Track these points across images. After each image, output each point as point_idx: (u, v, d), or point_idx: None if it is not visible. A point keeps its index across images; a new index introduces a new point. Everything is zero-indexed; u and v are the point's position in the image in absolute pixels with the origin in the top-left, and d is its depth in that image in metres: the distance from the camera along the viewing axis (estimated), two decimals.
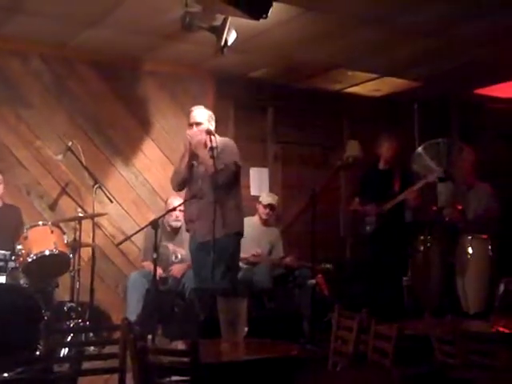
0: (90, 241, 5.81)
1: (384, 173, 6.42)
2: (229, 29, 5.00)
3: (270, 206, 6.71)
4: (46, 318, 4.80)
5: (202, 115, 5.29)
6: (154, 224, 4.84)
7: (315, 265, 6.06)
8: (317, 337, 5.58)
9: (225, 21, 4.98)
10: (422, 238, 6.34)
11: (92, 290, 5.62)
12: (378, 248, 6.21)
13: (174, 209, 5.65)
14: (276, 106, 7.64)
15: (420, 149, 6.61)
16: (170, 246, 6.11)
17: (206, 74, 7.12)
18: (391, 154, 6.41)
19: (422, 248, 6.34)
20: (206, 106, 5.59)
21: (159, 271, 5.68)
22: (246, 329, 4.74)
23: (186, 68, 6.99)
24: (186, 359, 2.92)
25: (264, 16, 4.56)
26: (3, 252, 5.05)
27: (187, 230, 5.40)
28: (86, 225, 5.80)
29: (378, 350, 3.57)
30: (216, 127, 5.38)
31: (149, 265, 5.87)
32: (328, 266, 6.58)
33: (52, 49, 6.41)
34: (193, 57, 6.66)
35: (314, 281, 5.97)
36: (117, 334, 4.37)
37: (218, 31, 5.03)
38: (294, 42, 6.21)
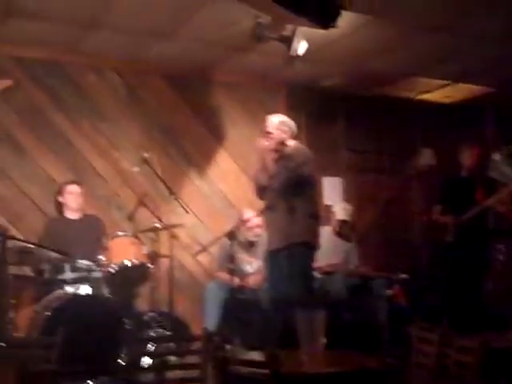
0: (167, 251, 5.89)
1: (465, 181, 6.27)
2: (299, 38, 5.02)
3: (343, 222, 6.68)
4: (127, 327, 4.89)
5: (272, 124, 5.25)
6: (231, 235, 4.89)
7: (391, 275, 5.99)
8: (395, 349, 5.51)
9: (294, 31, 5.00)
10: (502, 246, 6.19)
11: (171, 300, 5.70)
12: (457, 257, 6.08)
13: (245, 221, 5.68)
14: (347, 114, 7.62)
15: (497, 155, 6.46)
16: (246, 257, 6.15)
17: (276, 84, 7.17)
18: (473, 161, 6.27)
19: (502, 257, 6.19)
20: None
21: (235, 281, 5.73)
22: (324, 340, 4.74)
23: (257, 78, 7.05)
24: (266, 370, 2.94)
25: (332, 25, 4.53)
26: (86, 262, 5.17)
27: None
28: (163, 235, 5.90)
29: (461, 364, 3.50)
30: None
31: (223, 275, 5.93)
32: (404, 275, 6.48)
33: (126, 63, 6.59)
34: (263, 67, 6.72)
35: (390, 291, 5.90)
36: (196, 344, 4.44)
37: (288, 41, 5.06)
38: (364, 50, 6.20)
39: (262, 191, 5.21)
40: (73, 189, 5.74)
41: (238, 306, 5.51)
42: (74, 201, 5.72)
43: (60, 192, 5.76)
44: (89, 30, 5.82)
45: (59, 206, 5.82)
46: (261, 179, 5.18)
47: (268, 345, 4.37)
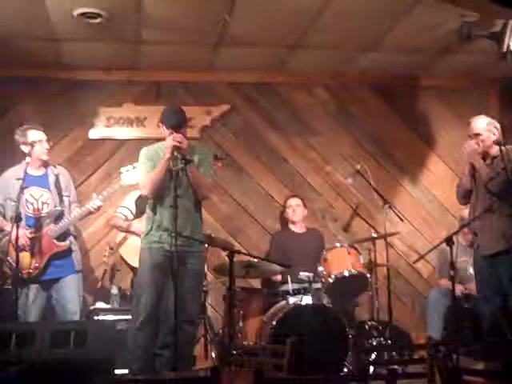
0: (383, 260, 5.91)
1: None
2: (510, 33, 4.80)
3: None
4: (350, 336, 4.98)
5: (481, 125, 5.08)
6: (449, 240, 4.77)
7: None
8: None
9: (505, 25, 4.78)
10: None
11: (390, 309, 5.69)
12: None
13: (465, 225, 5.50)
14: None
15: None
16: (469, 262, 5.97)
17: (487, 82, 6.91)
18: None
19: None
20: (490, 116, 5.39)
21: (459, 288, 5.62)
22: None
23: (465, 79, 6.84)
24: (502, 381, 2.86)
25: None
26: (307, 274, 5.35)
27: (471, 244, 5.24)
28: (379, 245, 5.93)
29: None
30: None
31: (446, 282, 5.80)
32: None
33: (333, 77, 6.74)
34: (472, 67, 6.51)
35: None
36: (418, 353, 4.41)
37: (499, 37, 4.85)
38: None
39: (467, 196, 5.11)
40: (294, 202, 6.00)
41: (463, 315, 5.36)
42: (296, 214, 5.99)
43: (285, 206, 6.08)
44: (295, 50, 6.06)
45: (284, 220, 6.14)
46: (466, 184, 5.05)
47: (496, 355, 4.21)
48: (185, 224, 4.42)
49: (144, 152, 4.68)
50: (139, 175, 4.65)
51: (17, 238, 4.70)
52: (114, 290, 5.47)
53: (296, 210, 6.05)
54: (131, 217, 5.49)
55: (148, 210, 4.64)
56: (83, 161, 6.28)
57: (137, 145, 6.16)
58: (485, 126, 5.03)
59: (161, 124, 4.63)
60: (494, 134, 4.99)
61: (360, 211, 6.56)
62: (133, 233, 5.38)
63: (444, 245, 4.81)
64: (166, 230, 4.43)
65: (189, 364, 4.57)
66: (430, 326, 5.76)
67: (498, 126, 5.06)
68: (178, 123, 4.53)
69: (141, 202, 5.29)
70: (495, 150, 4.92)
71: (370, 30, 5.63)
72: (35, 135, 5.14)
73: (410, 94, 6.89)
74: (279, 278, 5.70)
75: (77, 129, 6.30)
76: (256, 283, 6.07)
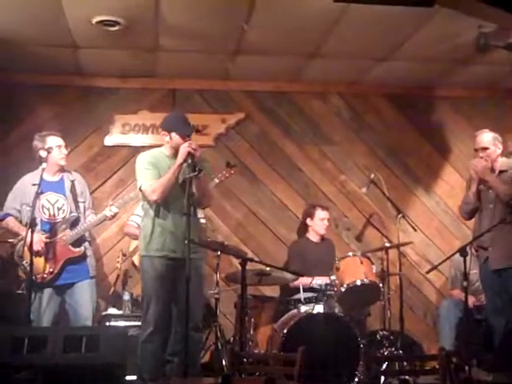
0: (396, 270, 5.91)
1: None
2: None
3: None
4: (362, 346, 4.97)
5: (487, 139, 5.13)
6: (463, 251, 4.76)
7: None
8: None
9: None
10: None
11: (402, 319, 5.67)
12: None
13: (479, 236, 5.48)
14: None
15: None
16: None
17: (504, 93, 6.88)
18: None
19: None
20: (507, 128, 5.40)
21: (472, 299, 5.60)
22: None
23: (482, 90, 6.83)
24: None
25: None
26: (319, 282, 5.37)
27: (477, 257, 5.23)
28: (392, 254, 5.92)
29: None
30: None
31: (458, 293, 5.78)
32: None
33: (348, 86, 6.75)
34: (489, 78, 6.51)
35: None
36: (429, 364, 4.39)
37: None
38: None
39: (474, 212, 5.17)
40: (325, 215, 5.97)
41: (475, 327, 5.33)
42: (325, 228, 5.97)
43: (310, 215, 6.03)
44: (310, 59, 6.08)
45: (304, 228, 6.12)
46: (474, 200, 5.10)
47: (509, 367, 4.19)
48: (193, 230, 4.42)
49: (144, 158, 4.68)
50: (140, 181, 4.62)
51: (31, 243, 4.75)
52: (126, 296, 5.49)
53: (326, 224, 6.00)
54: None
55: (149, 213, 4.62)
56: (98, 167, 6.34)
57: None
58: (490, 139, 5.13)
59: (166, 132, 4.66)
60: (498, 148, 5.11)
61: (373, 221, 6.56)
62: None
63: (457, 255, 4.82)
64: (171, 234, 4.46)
65: (197, 370, 4.59)
66: (442, 336, 5.75)
67: (500, 139, 5.17)
68: (190, 130, 4.58)
69: None
70: (499, 163, 5.03)
71: (386, 39, 5.64)
72: (54, 141, 5.20)
73: (425, 104, 6.88)
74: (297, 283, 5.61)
75: (92, 135, 6.36)
76: (268, 291, 6.07)
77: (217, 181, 5.54)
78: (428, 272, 5.61)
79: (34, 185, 4.90)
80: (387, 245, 5.87)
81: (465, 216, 5.36)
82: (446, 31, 5.42)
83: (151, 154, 4.71)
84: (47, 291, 5.03)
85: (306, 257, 5.83)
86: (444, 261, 5.01)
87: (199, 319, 4.60)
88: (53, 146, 5.16)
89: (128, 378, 4.21)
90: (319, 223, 5.99)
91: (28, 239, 4.74)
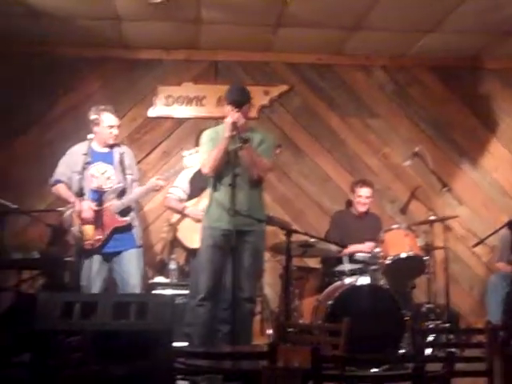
0: (441, 243, 5.85)
1: None
2: None
3: None
4: (406, 318, 4.95)
5: None
6: (511, 224, 4.71)
7: None
8: None
9: None
10: None
11: (447, 293, 5.64)
12: None
13: None
14: None
15: None
16: None
17: None
18: None
19: None
20: None
21: None
22: None
23: None
24: None
25: None
26: (364, 255, 5.36)
27: None
28: (437, 228, 5.87)
29: None
30: None
31: (504, 266, 5.72)
32: None
33: (392, 59, 6.67)
34: None
35: None
36: (475, 338, 4.34)
37: None
38: None
39: None
40: (364, 192, 5.87)
41: None
42: (364, 206, 5.89)
43: (352, 190, 5.95)
44: (354, 31, 6.01)
45: (349, 202, 6.11)
46: None
47: None
48: (244, 202, 4.45)
49: (206, 133, 4.75)
50: (201, 156, 4.70)
51: (81, 211, 4.83)
52: (173, 265, 5.55)
53: (366, 201, 5.88)
54: (184, 197, 5.48)
55: (209, 188, 4.70)
56: (142, 139, 6.37)
57: (195, 124, 6.27)
58: None
59: (225, 103, 4.67)
60: None
61: (418, 194, 6.49)
62: (187, 216, 5.39)
63: (505, 229, 4.76)
64: (224, 208, 4.49)
65: (248, 340, 4.61)
66: (489, 310, 5.71)
67: None
68: (238, 100, 4.56)
69: (196, 182, 5.34)
70: None
71: (431, 10, 5.53)
72: (109, 119, 5.23)
73: (471, 77, 6.76)
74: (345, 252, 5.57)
75: (136, 107, 6.39)
76: (312, 263, 6.07)
77: None
78: (474, 246, 5.58)
79: (84, 154, 4.95)
80: (432, 218, 5.81)
81: None
82: (492, 2, 5.30)
83: (214, 129, 4.78)
84: (97, 259, 5.10)
85: (346, 228, 5.78)
86: (491, 234, 4.96)
87: (252, 291, 4.62)
88: (107, 125, 5.20)
89: (176, 344, 4.26)
90: (357, 199, 5.92)
91: (77, 207, 4.83)
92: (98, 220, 5.06)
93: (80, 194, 4.77)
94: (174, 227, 5.55)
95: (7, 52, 6.13)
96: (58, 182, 5.27)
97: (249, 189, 4.57)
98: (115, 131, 5.26)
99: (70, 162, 5.23)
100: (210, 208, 4.64)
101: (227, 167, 4.49)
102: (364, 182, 5.95)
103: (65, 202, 5.22)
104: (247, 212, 4.46)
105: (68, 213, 5.06)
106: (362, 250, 5.48)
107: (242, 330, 4.35)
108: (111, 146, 5.32)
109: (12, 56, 6.17)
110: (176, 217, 5.52)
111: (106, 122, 5.21)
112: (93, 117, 5.19)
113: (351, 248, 5.43)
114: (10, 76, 6.17)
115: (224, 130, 4.52)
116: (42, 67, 6.22)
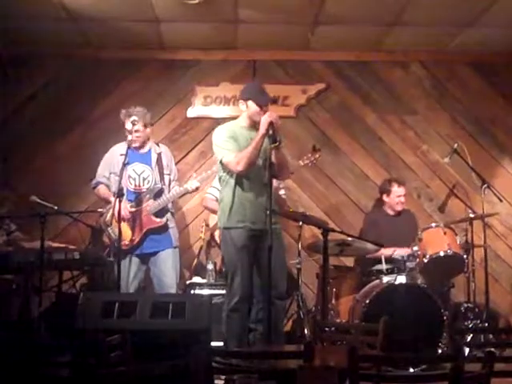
0: (481, 242, 5.77)
1: None
2: None
3: None
4: (445, 317, 4.92)
5: None
6: None
7: None
8: None
9: None
10: None
11: (487, 291, 5.58)
12: None
13: None
14: None
15: None
16: None
17: None
18: None
19: None
20: None
21: None
22: None
23: None
24: None
25: None
26: (401, 253, 5.33)
27: None
28: (477, 225, 5.80)
29: None
30: None
31: None
32: None
33: (431, 54, 6.60)
34: None
35: None
36: None
37: None
38: None
39: None
40: (401, 191, 5.86)
41: None
42: (401, 205, 5.87)
43: (386, 192, 5.92)
44: (391, 27, 5.98)
45: (381, 202, 6.05)
46: None
47: None
48: (268, 200, 4.35)
49: (222, 131, 4.69)
50: (221, 153, 4.61)
51: (119, 212, 4.90)
52: (210, 266, 5.60)
53: (403, 200, 5.87)
54: None
55: (229, 184, 4.62)
56: (181, 139, 6.45)
57: None
58: None
59: (243, 100, 4.68)
60: None
61: (457, 191, 6.43)
62: None
63: None
64: (251, 205, 4.50)
65: (281, 338, 4.64)
66: None
67: None
68: (268, 100, 4.62)
69: None
70: None
71: (469, 4, 5.47)
72: (127, 125, 5.29)
73: (510, 72, 6.63)
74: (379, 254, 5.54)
75: (175, 107, 6.47)
76: (349, 262, 6.07)
77: (301, 163, 5.50)
78: None
79: (122, 155, 5.04)
80: (471, 215, 5.75)
81: None
82: None
83: (228, 127, 4.72)
84: (135, 260, 5.20)
85: (381, 229, 5.77)
86: None
87: (283, 288, 4.63)
88: (129, 127, 5.27)
89: (212, 343, 4.33)
90: (396, 200, 5.87)
91: (114, 207, 4.92)
92: (134, 221, 5.16)
93: (118, 194, 4.87)
94: (211, 228, 5.61)
95: (51, 55, 6.31)
96: (99, 183, 5.39)
97: (270, 186, 4.50)
98: (130, 136, 5.26)
99: (108, 163, 5.35)
100: (231, 207, 4.58)
101: (257, 166, 4.52)
102: (398, 181, 5.95)
103: (106, 203, 5.34)
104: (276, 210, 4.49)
105: (106, 213, 5.17)
106: (398, 253, 5.45)
107: (275, 329, 4.35)
108: (149, 145, 5.41)
109: (55, 59, 6.35)
110: (213, 217, 5.58)
111: (125, 126, 5.31)
112: (122, 118, 5.30)
113: (387, 250, 5.39)
114: (54, 78, 6.36)
115: (240, 129, 4.60)
116: (84, 69, 6.38)
